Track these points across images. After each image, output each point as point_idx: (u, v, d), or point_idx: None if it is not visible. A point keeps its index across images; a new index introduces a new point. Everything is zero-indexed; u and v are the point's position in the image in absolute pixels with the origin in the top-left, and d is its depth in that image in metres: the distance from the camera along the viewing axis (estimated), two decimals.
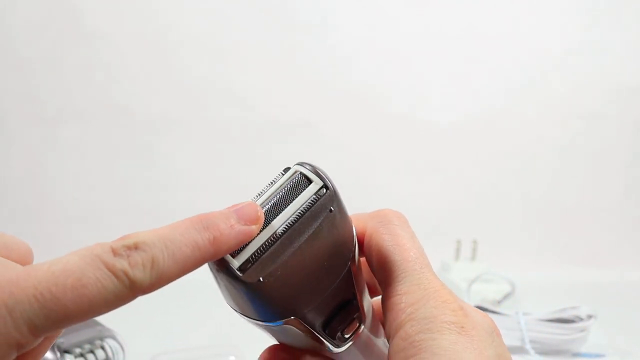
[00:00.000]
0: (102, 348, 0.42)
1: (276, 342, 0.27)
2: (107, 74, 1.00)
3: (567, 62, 1.06)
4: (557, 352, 0.59)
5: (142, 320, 0.70)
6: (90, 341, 0.42)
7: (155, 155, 1.01)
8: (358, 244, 0.26)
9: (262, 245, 0.22)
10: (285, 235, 0.23)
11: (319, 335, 0.25)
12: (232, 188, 0.96)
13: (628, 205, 1.09)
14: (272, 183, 0.25)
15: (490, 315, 0.59)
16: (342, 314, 0.25)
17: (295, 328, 0.24)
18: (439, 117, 1.05)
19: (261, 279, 0.22)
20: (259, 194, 0.24)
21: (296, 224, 0.23)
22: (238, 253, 0.22)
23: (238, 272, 0.22)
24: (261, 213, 0.22)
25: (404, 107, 1.05)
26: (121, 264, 0.19)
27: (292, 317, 0.24)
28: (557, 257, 1.05)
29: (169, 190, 1.00)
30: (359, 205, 0.98)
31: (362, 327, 0.26)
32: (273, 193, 0.24)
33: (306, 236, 0.23)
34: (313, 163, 0.25)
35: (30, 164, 1.01)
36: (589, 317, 0.59)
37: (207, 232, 0.21)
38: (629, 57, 1.07)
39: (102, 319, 0.46)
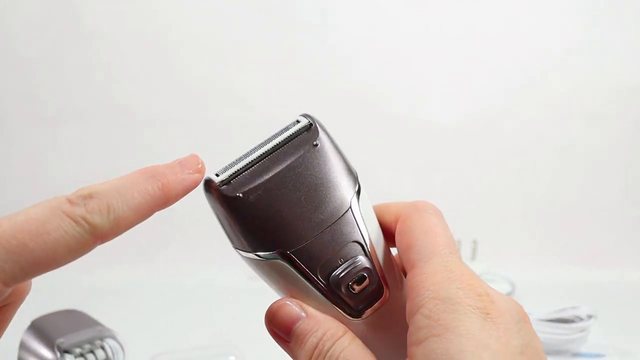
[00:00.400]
0: (102, 348, 0.42)
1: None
2: (107, 74, 1.00)
3: (567, 62, 1.06)
4: (557, 352, 0.59)
5: (142, 320, 0.71)
6: (90, 341, 0.42)
7: (155, 155, 1.01)
8: (390, 231, 0.27)
9: (242, 167, 0.24)
10: (265, 159, 0.25)
11: (318, 281, 0.24)
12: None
13: (628, 205, 1.09)
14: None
15: None
16: (350, 265, 0.25)
17: (289, 267, 0.24)
18: (439, 117, 1.05)
19: (240, 194, 0.23)
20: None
21: (277, 152, 0.25)
22: (221, 174, 0.24)
23: (220, 187, 0.24)
24: (202, 163, 0.24)
25: (404, 107, 1.05)
26: (80, 210, 0.20)
27: (283, 250, 0.24)
28: (557, 257, 1.05)
29: None
30: None
31: (381, 294, 0.25)
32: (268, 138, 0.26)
33: (287, 162, 0.24)
34: (312, 114, 0.27)
35: (30, 164, 1.01)
36: (589, 317, 0.59)
37: (155, 181, 0.23)
38: (629, 57, 1.07)
39: (102, 319, 0.46)
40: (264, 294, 0.30)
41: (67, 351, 0.40)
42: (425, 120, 1.05)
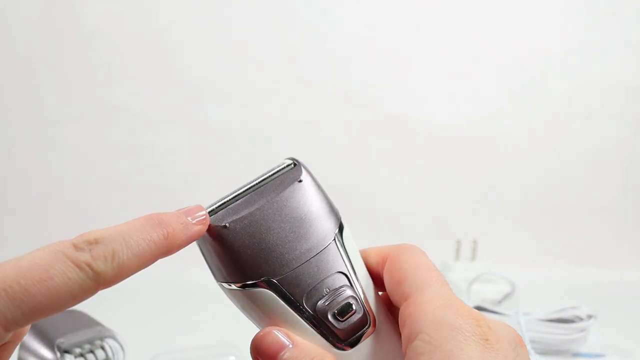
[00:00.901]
0: (102, 348, 0.42)
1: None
2: (107, 74, 1.00)
3: (567, 62, 1.06)
4: (557, 352, 0.59)
5: (143, 320, 0.71)
6: (90, 341, 0.42)
7: (155, 155, 1.01)
8: (376, 272, 0.28)
9: (229, 199, 0.25)
10: (251, 193, 0.26)
11: (305, 310, 0.25)
12: (232, 188, 0.96)
13: (628, 205, 1.09)
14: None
15: (490, 315, 0.59)
16: (336, 295, 0.25)
17: (276, 296, 0.24)
18: (439, 117, 1.05)
19: (227, 224, 0.24)
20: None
21: (263, 186, 0.26)
22: (208, 207, 0.25)
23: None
24: (207, 214, 0.25)
25: (404, 107, 1.05)
26: (84, 256, 0.20)
27: (270, 278, 0.24)
28: (557, 257, 1.05)
29: (169, 190, 1.00)
30: (359, 205, 0.99)
31: (368, 324, 0.26)
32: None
33: (273, 196, 0.25)
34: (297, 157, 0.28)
35: (30, 164, 1.01)
36: (589, 317, 0.59)
37: (161, 229, 0.23)
38: (629, 57, 1.07)
39: (103, 319, 0.46)
40: None
41: (67, 351, 0.40)
42: (425, 120, 1.05)
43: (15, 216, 1.00)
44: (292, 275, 0.25)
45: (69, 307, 0.20)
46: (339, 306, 0.25)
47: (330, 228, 0.26)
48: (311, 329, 0.25)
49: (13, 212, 1.01)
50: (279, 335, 0.25)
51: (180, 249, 0.23)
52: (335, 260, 0.26)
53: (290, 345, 0.24)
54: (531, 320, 0.59)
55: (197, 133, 1.02)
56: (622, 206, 1.08)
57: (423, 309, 0.23)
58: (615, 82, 1.06)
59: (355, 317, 0.25)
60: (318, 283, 0.25)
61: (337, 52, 1.03)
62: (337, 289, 0.25)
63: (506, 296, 0.71)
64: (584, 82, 1.06)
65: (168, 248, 0.23)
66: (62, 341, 0.40)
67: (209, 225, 0.24)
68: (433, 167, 1.06)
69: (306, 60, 1.03)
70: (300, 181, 0.26)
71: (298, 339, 0.25)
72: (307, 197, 0.26)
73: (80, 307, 0.47)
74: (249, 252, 0.24)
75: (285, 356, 0.24)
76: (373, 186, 1.04)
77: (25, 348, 0.40)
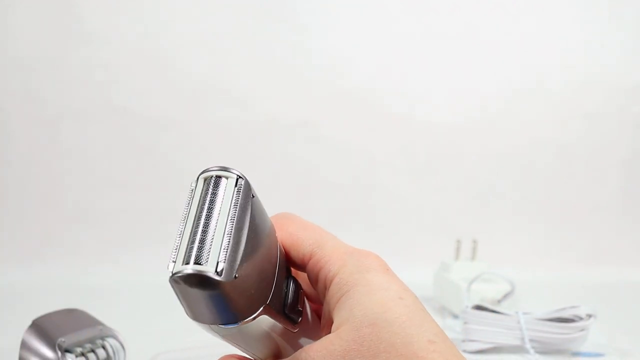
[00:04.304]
0: (103, 347, 0.42)
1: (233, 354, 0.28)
2: (107, 74, 1.01)
3: (567, 62, 1.06)
4: (557, 351, 0.59)
5: (144, 320, 0.71)
6: (91, 340, 0.42)
7: (155, 155, 1.01)
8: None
9: (223, 247, 0.22)
10: (234, 231, 0.23)
11: (287, 317, 0.26)
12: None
13: (628, 204, 1.09)
14: (191, 199, 0.25)
15: (490, 314, 0.59)
16: (292, 291, 0.27)
17: (269, 317, 0.25)
18: (439, 117, 1.05)
19: (236, 275, 0.22)
20: (185, 218, 0.24)
21: (237, 218, 0.23)
22: (197, 262, 0.22)
23: (217, 278, 0.21)
24: None
25: (404, 107, 1.05)
26: None
27: (264, 305, 0.24)
28: (557, 257, 1.05)
29: (169, 190, 1.00)
30: (359, 205, 0.99)
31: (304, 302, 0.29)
32: (201, 205, 0.24)
33: (248, 225, 0.24)
34: (216, 165, 0.26)
35: (30, 164, 1.01)
36: (589, 316, 0.59)
37: None
38: (629, 57, 1.07)
39: (104, 318, 0.46)
40: None
41: (68, 350, 0.40)
42: (425, 120, 1.05)
43: (15, 216, 1.00)
44: (274, 293, 0.25)
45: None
46: (297, 297, 0.28)
47: (274, 230, 0.27)
48: (290, 330, 0.27)
49: (13, 212, 1.01)
50: None
51: None
52: (285, 262, 0.28)
53: None
54: (531, 319, 0.59)
55: (197, 133, 1.02)
56: (622, 206, 1.09)
57: (330, 260, 0.26)
58: (615, 82, 1.06)
59: (303, 297, 0.28)
60: (283, 290, 0.27)
61: (338, 51, 1.03)
62: (291, 286, 0.28)
63: (506, 295, 0.71)
64: (584, 82, 1.06)
65: None
66: (63, 340, 0.40)
67: (220, 282, 0.22)
68: (433, 167, 1.06)
69: (306, 60, 1.03)
70: (254, 196, 0.25)
71: None
72: (262, 209, 0.26)
73: (81, 306, 0.47)
74: (252, 289, 0.24)
75: None
76: (373, 186, 1.04)
77: (26, 347, 0.40)
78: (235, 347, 0.27)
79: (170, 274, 0.22)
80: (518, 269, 0.84)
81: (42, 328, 0.41)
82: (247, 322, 0.24)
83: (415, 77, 1.05)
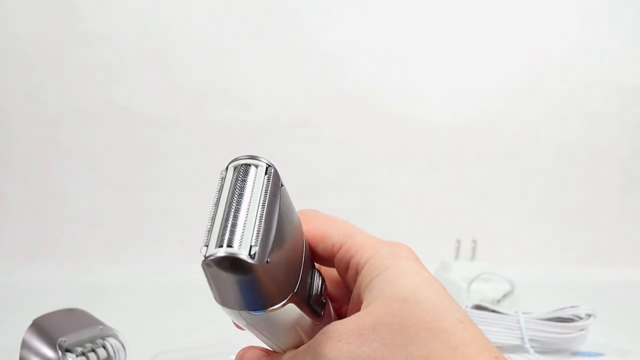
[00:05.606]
0: (104, 347, 0.43)
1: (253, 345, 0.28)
2: (107, 74, 1.01)
3: (567, 62, 1.06)
4: (557, 351, 0.59)
5: (144, 320, 0.71)
6: (92, 340, 0.42)
7: (155, 155, 1.02)
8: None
9: (255, 231, 0.23)
10: (265, 216, 0.23)
11: (311, 309, 0.26)
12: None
13: (627, 204, 1.09)
14: (221, 186, 0.25)
15: (490, 314, 0.59)
16: (316, 283, 0.27)
17: (295, 306, 0.25)
18: (439, 117, 1.05)
19: (268, 260, 0.22)
20: (216, 203, 0.24)
21: (268, 204, 0.24)
22: (229, 245, 0.22)
23: (250, 261, 0.22)
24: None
25: (404, 107, 1.05)
26: None
27: (292, 294, 0.24)
28: (557, 257, 1.05)
29: (169, 190, 1.00)
30: (359, 205, 0.99)
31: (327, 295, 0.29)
32: (232, 190, 0.24)
33: (278, 212, 0.24)
34: (245, 154, 0.26)
35: (31, 164, 1.01)
36: (588, 316, 0.59)
37: None
38: (629, 57, 1.07)
39: (104, 318, 0.46)
40: None
41: (68, 350, 0.40)
42: (425, 120, 1.05)
43: (15, 216, 1.00)
44: (301, 281, 0.25)
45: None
46: (320, 289, 0.28)
47: (299, 219, 0.27)
48: (312, 320, 0.27)
49: (14, 212, 1.01)
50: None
51: None
52: (309, 252, 0.28)
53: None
54: (530, 319, 0.59)
55: (197, 133, 1.02)
56: (622, 206, 1.09)
57: (362, 248, 0.27)
58: (615, 82, 1.07)
59: (326, 289, 0.29)
60: (308, 280, 0.27)
61: (337, 52, 1.04)
62: (316, 278, 0.28)
63: (506, 295, 0.71)
64: (584, 82, 1.07)
65: None
66: (64, 340, 0.40)
67: (253, 265, 0.22)
68: (433, 167, 1.06)
69: (306, 60, 1.03)
70: (282, 185, 0.25)
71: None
72: (289, 198, 0.26)
73: (81, 306, 0.47)
74: (283, 275, 0.24)
75: None
76: (373, 186, 1.05)
77: (27, 347, 0.40)
78: (259, 336, 0.27)
79: (203, 258, 0.22)
80: (518, 269, 0.84)
81: (43, 328, 0.41)
82: (275, 309, 0.24)
83: (415, 77, 1.05)
